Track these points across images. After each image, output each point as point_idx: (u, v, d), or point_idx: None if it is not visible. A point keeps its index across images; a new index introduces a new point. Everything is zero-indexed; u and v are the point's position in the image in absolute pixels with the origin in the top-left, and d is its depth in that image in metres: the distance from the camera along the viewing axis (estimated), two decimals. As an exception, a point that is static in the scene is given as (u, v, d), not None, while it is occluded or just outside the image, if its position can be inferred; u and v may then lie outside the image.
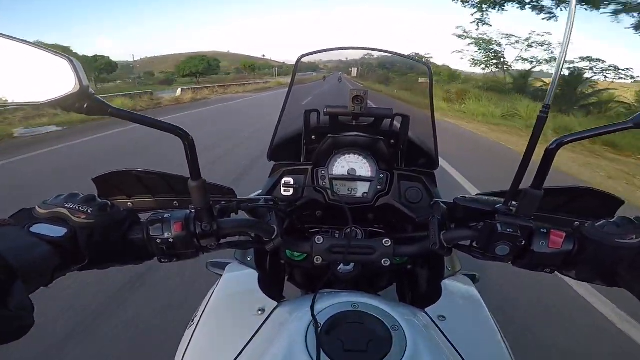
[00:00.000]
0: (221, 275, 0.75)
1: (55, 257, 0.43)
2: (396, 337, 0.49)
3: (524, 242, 0.52)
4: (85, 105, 0.42)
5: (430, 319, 0.60)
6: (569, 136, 0.47)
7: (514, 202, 0.53)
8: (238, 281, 0.74)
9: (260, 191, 0.86)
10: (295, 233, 0.72)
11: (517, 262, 0.55)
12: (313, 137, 0.89)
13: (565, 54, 0.46)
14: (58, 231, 0.45)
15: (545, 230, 0.52)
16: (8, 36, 0.40)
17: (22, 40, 0.40)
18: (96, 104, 0.43)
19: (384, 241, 0.63)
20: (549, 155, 0.47)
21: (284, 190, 0.82)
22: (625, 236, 0.48)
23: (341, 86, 1.43)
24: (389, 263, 0.63)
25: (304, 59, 0.93)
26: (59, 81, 0.41)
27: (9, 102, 0.42)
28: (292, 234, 0.66)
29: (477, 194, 0.65)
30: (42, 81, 0.41)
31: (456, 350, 0.53)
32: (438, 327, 0.58)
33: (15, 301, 0.35)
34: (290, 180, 0.82)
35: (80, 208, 0.48)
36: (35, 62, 0.41)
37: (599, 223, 0.51)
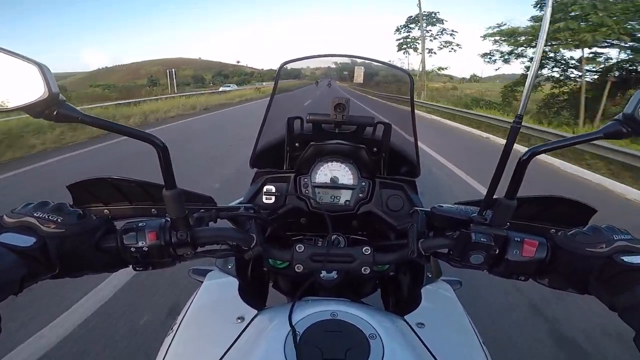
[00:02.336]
0: (202, 282, 0.75)
1: (22, 266, 0.42)
2: (374, 346, 0.48)
3: (497, 250, 0.53)
4: (55, 112, 0.41)
5: (409, 326, 0.60)
6: (541, 146, 0.48)
7: (489, 211, 0.54)
8: (218, 289, 0.73)
9: (241, 199, 0.86)
10: (278, 241, 0.71)
11: (492, 270, 0.57)
12: (296, 144, 0.88)
13: (539, 61, 0.47)
14: (26, 240, 0.44)
15: (519, 239, 0.53)
16: None
17: None
18: (66, 111, 0.42)
19: (363, 249, 0.63)
20: (522, 166, 0.47)
21: (266, 198, 0.82)
22: (595, 245, 0.49)
23: (332, 91, 1.42)
24: (369, 271, 0.63)
25: (284, 66, 0.93)
26: (27, 87, 0.40)
27: None
28: (275, 241, 0.66)
29: (454, 203, 0.65)
30: (9, 86, 0.40)
31: (434, 358, 0.53)
32: (417, 335, 0.58)
33: None
34: (272, 188, 0.82)
35: (49, 217, 0.47)
36: (3, 67, 0.40)
37: (570, 232, 0.53)
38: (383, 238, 0.85)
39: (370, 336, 0.50)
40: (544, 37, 0.47)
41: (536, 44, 0.47)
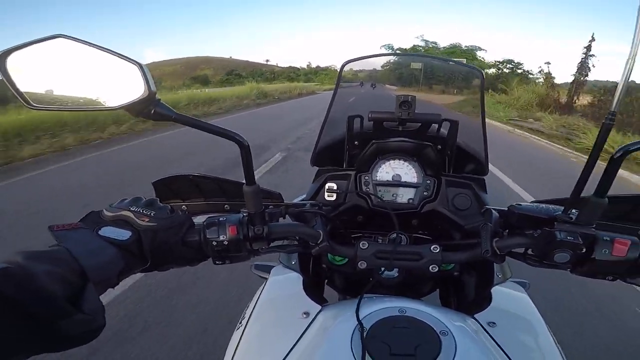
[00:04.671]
0: (266, 278, 0.77)
1: (121, 259, 0.44)
2: (445, 342, 0.48)
3: (584, 249, 0.51)
4: (153, 111, 0.43)
5: (480, 325, 0.58)
6: (635, 144, 0.46)
7: (573, 210, 0.52)
8: (283, 284, 0.74)
9: (304, 195, 0.87)
10: (338, 237, 0.71)
11: (576, 269, 0.55)
12: (356, 142, 0.88)
13: (634, 58, 0.44)
14: (124, 234, 0.46)
15: (609, 239, 0.51)
16: (84, 41, 0.41)
17: (96, 45, 0.41)
18: (162, 110, 0.44)
19: (432, 247, 0.62)
20: (615, 163, 0.45)
21: (328, 196, 0.82)
22: None
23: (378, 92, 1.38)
24: (437, 269, 0.62)
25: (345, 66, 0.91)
26: (130, 86, 0.42)
27: (84, 108, 0.44)
28: (335, 238, 0.66)
29: (532, 201, 0.62)
30: (113, 86, 0.43)
31: (508, 357, 0.52)
32: (488, 333, 0.56)
33: (88, 304, 0.37)
34: (334, 185, 0.82)
35: (143, 211, 0.50)
36: (109, 67, 0.42)
37: None
38: (447, 237, 0.83)
39: (442, 333, 0.49)
40: None
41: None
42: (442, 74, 1.24)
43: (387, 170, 0.84)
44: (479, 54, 33.31)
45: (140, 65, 0.42)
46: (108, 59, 0.42)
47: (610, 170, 0.46)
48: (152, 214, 0.50)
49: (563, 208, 0.54)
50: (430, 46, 34.99)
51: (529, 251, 0.57)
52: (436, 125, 0.84)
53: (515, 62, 31.56)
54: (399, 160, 0.84)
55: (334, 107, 0.87)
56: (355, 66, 0.99)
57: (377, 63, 1.34)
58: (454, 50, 32.74)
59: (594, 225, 0.51)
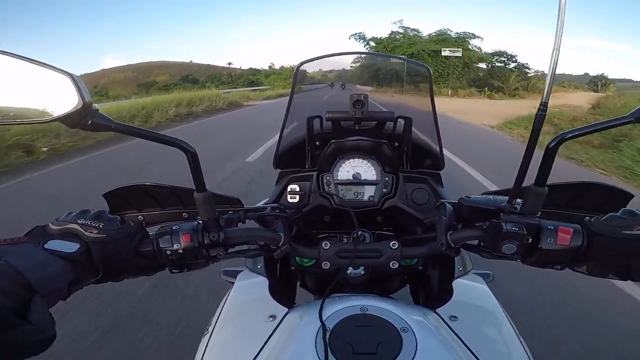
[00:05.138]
0: (233, 283, 0.76)
1: (69, 272, 0.44)
2: (406, 339, 0.48)
3: (530, 240, 0.52)
4: (90, 122, 0.42)
5: (442, 319, 0.59)
6: (569, 132, 0.46)
7: (518, 200, 0.53)
8: (249, 289, 0.74)
9: (267, 199, 0.86)
10: (304, 239, 0.72)
11: (526, 260, 0.55)
12: (317, 143, 0.88)
13: (559, 48, 0.46)
14: (71, 247, 0.46)
15: (553, 227, 0.52)
16: (9, 53, 0.40)
17: (22, 57, 0.40)
18: (99, 120, 0.43)
19: (390, 244, 0.63)
20: (550, 152, 0.46)
21: (290, 198, 0.82)
22: (632, 228, 0.48)
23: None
24: (397, 265, 0.63)
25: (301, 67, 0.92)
26: (61, 98, 0.40)
27: (15, 121, 0.43)
28: (301, 240, 0.66)
29: (482, 193, 0.64)
30: (45, 99, 0.41)
31: (469, 350, 0.53)
32: (450, 327, 0.57)
33: (36, 315, 0.37)
34: (296, 187, 0.83)
35: (91, 223, 0.49)
36: (39, 80, 0.41)
37: (605, 217, 0.51)
38: (409, 232, 0.85)
39: (402, 329, 0.50)
40: (563, 18, 0.45)
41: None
42: (402, 73, 1.26)
43: (347, 169, 0.85)
44: (474, 42, 29.89)
45: (71, 76, 0.41)
46: (37, 70, 0.40)
47: (547, 159, 0.47)
48: (100, 226, 0.50)
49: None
50: (411, 34, 30.86)
51: (482, 243, 0.57)
52: (392, 123, 0.86)
53: (509, 54, 29.34)
54: (358, 158, 0.85)
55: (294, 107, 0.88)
56: (325, 66, 0.99)
57: (346, 62, 1.35)
58: (444, 37, 29.27)
59: (538, 215, 0.52)
